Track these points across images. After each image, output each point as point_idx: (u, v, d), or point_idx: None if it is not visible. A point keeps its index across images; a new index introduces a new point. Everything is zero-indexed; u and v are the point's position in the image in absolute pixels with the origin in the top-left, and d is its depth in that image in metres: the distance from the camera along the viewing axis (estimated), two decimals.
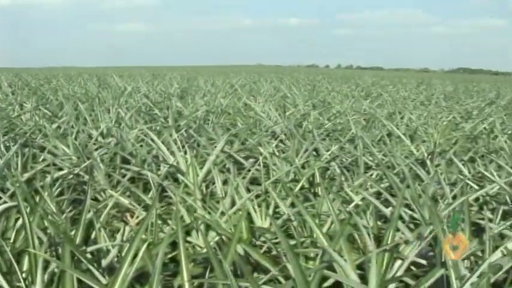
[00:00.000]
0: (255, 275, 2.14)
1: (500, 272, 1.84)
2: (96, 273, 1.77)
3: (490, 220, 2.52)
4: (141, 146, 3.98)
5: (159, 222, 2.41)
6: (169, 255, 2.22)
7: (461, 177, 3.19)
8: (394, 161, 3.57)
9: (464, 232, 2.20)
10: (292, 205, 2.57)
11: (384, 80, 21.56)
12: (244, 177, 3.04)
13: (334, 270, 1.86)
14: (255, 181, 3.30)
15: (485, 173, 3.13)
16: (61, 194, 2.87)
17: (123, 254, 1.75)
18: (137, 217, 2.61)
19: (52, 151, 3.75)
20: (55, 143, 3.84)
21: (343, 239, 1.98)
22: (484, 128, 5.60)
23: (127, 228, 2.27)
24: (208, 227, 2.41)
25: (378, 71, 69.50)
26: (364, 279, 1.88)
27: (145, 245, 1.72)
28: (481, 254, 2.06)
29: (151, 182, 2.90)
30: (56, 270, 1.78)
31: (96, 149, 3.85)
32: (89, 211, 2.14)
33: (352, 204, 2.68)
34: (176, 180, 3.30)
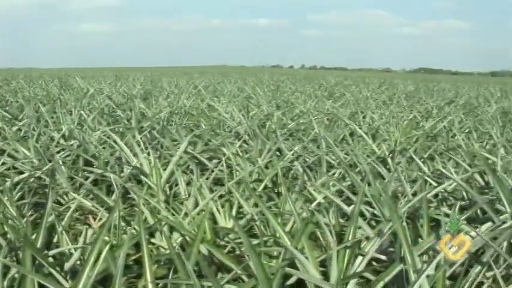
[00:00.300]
0: (219, 274, 2.16)
1: (456, 265, 1.91)
2: (59, 277, 1.75)
3: (448, 215, 2.60)
4: (104, 148, 3.94)
5: (123, 224, 2.40)
6: (133, 257, 2.22)
7: (421, 174, 3.26)
8: (356, 159, 3.63)
9: (423, 228, 2.26)
10: (256, 205, 2.59)
11: (347, 80, 21.81)
12: (207, 178, 3.05)
13: (297, 268, 1.89)
14: (218, 182, 3.31)
15: (443, 170, 3.22)
16: (22, 197, 2.83)
17: (85, 257, 1.74)
18: (100, 219, 2.59)
19: (12, 154, 3.68)
20: (15, 146, 3.77)
21: (305, 237, 2.01)
22: (444, 126, 5.73)
23: (90, 231, 2.26)
24: (172, 228, 2.41)
25: (342, 71, 70.26)
26: (326, 275, 1.92)
27: (107, 247, 1.71)
28: (438, 248, 2.12)
29: (114, 184, 2.88)
30: (16, 275, 1.75)
31: (58, 152, 3.80)
32: (51, 214, 2.12)
33: (315, 203, 2.72)
34: (140, 182, 3.28)
